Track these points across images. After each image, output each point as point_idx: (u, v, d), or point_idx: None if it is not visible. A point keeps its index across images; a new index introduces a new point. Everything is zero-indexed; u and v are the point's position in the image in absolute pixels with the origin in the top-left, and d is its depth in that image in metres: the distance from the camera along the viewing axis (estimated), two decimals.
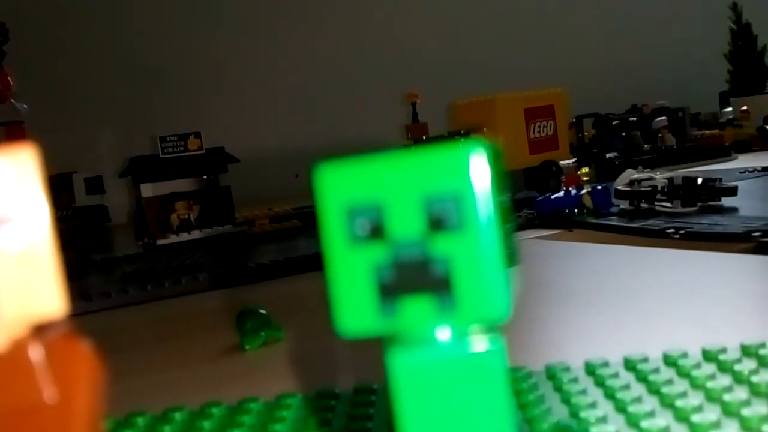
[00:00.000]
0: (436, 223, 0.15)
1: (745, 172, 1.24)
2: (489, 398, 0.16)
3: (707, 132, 1.82)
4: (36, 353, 0.17)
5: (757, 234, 0.70)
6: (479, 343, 0.16)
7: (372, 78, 2.34)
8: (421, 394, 0.16)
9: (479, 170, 0.15)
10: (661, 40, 2.70)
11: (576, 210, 0.99)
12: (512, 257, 0.16)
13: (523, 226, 0.99)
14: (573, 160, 1.32)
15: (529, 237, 0.93)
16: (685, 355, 0.39)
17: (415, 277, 0.16)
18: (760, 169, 1.24)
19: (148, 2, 2.18)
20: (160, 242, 1.18)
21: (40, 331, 0.17)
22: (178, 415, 0.40)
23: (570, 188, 1.05)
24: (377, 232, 0.16)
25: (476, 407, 0.16)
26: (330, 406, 0.39)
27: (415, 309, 0.16)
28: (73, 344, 0.17)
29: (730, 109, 1.96)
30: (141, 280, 0.90)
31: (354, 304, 0.16)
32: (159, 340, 0.66)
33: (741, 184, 0.97)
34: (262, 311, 0.56)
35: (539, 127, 1.26)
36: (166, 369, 0.53)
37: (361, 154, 0.16)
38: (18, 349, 0.17)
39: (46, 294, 0.17)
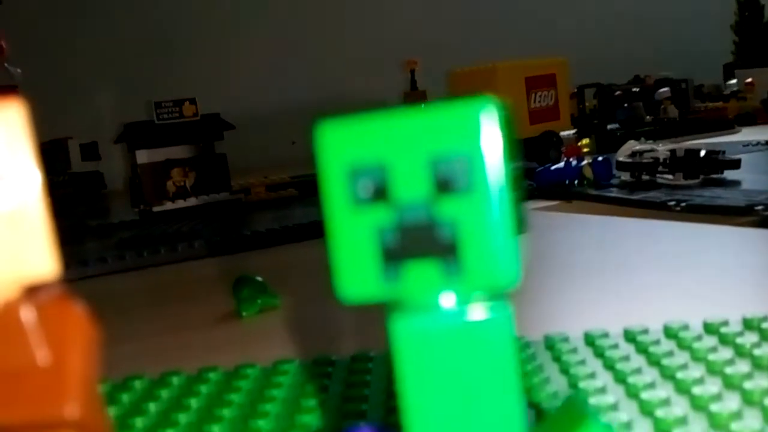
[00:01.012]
0: (443, 185, 0.15)
1: (748, 145, 1.24)
2: (495, 367, 0.15)
3: (711, 104, 1.81)
4: (27, 315, 0.16)
5: (760, 207, 0.69)
6: (485, 310, 0.15)
7: (371, 45, 2.32)
8: (425, 361, 0.15)
9: (490, 129, 0.15)
10: (666, 9, 2.67)
11: (576, 181, 0.98)
12: (521, 224, 0.15)
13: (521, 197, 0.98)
14: (574, 130, 1.31)
15: (529, 208, 0.92)
16: (686, 328, 0.39)
17: (420, 242, 0.15)
18: (763, 142, 1.24)
19: None
20: (156, 209, 1.17)
21: (32, 293, 0.17)
22: (175, 380, 0.39)
23: (570, 159, 1.04)
24: (381, 193, 0.15)
25: (481, 376, 0.15)
26: (327, 372, 0.38)
27: (420, 274, 0.15)
28: (66, 306, 0.17)
29: (734, 81, 1.94)
30: (137, 247, 0.89)
31: (356, 268, 0.15)
32: (155, 306, 0.65)
33: (744, 158, 0.96)
34: (259, 278, 0.56)
35: (540, 96, 1.25)
36: (163, 334, 0.53)
37: (365, 112, 0.15)
38: (9, 310, 0.16)
39: (38, 255, 0.16)
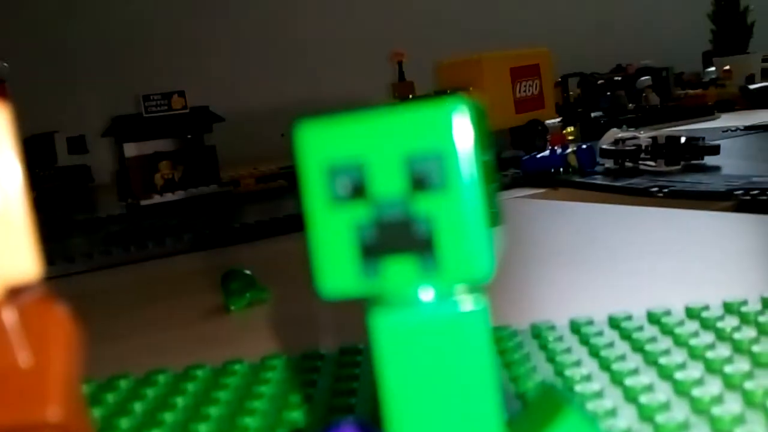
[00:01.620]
0: (419, 182, 0.15)
1: (727, 131, 1.25)
2: (472, 359, 0.16)
3: (691, 91, 1.82)
4: (9, 316, 0.16)
5: (739, 192, 0.70)
6: (462, 303, 0.16)
7: (359, 36, 2.32)
8: (404, 355, 0.16)
9: (462, 128, 0.15)
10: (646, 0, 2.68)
11: (561, 169, 0.99)
12: (496, 217, 0.16)
13: (509, 185, 0.98)
14: (558, 119, 1.32)
15: (514, 196, 0.93)
16: (668, 313, 0.39)
17: (397, 237, 0.15)
18: (742, 128, 1.25)
19: None
20: (143, 203, 1.17)
21: (13, 294, 0.17)
22: (161, 378, 0.39)
23: (555, 147, 1.04)
24: (359, 191, 0.15)
25: (460, 368, 0.16)
26: (315, 366, 0.39)
27: (398, 269, 0.16)
28: (49, 307, 0.17)
29: (713, 68, 1.96)
30: (124, 241, 0.89)
31: (335, 265, 0.16)
32: (143, 302, 0.65)
33: (724, 143, 0.97)
34: (248, 272, 0.56)
35: (525, 86, 1.25)
36: (150, 331, 0.53)
37: (342, 111, 0.15)
38: None
39: (20, 257, 0.17)
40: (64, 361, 0.17)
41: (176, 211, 1.14)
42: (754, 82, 1.79)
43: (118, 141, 1.20)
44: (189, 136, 1.23)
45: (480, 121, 0.15)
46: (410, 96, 1.30)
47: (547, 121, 1.27)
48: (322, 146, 0.15)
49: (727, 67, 1.83)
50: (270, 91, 2.19)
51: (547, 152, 1.02)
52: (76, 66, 2.10)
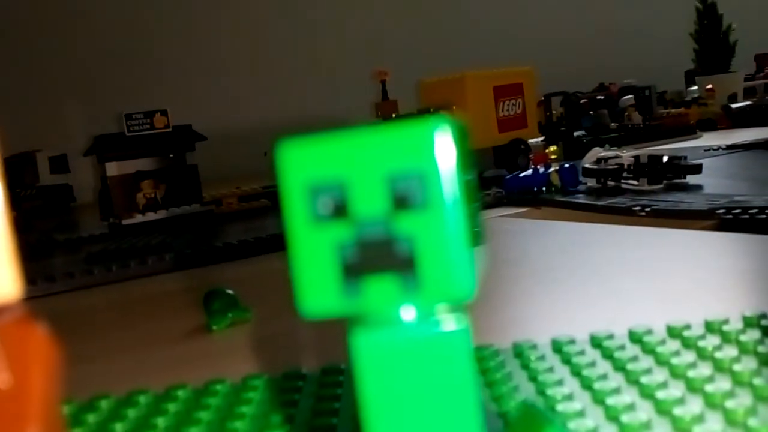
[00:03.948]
0: (401, 202, 0.15)
1: (709, 150, 1.26)
2: (454, 378, 0.16)
3: (673, 110, 1.84)
4: None
5: (721, 211, 0.70)
6: (444, 322, 0.16)
7: (342, 55, 2.33)
8: (386, 375, 0.16)
9: (444, 148, 0.15)
10: (629, 19, 2.71)
11: (544, 188, 0.99)
12: (477, 236, 0.16)
13: (492, 204, 0.99)
14: (541, 138, 1.33)
15: (497, 215, 0.93)
16: (650, 332, 0.40)
17: (379, 256, 0.15)
18: (724, 147, 1.26)
19: None
20: (125, 222, 1.16)
21: None
22: (142, 398, 0.39)
23: (538, 166, 1.05)
24: (340, 210, 0.15)
25: (441, 387, 0.16)
26: (297, 386, 0.38)
27: (380, 288, 0.16)
28: (29, 328, 0.17)
29: (695, 87, 1.98)
30: (106, 261, 0.88)
31: (317, 284, 0.16)
32: (124, 322, 0.65)
33: (706, 162, 0.98)
34: (230, 292, 0.56)
35: (508, 105, 1.26)
36: (131, 351, 0.53)
37: (324, 131, 0.15)
38: None
39: (0, 276, 0.16)
40: (44, 381, 0.16)
41: (158, 231, 1.13)
42: (736, 101, 1.81)
43: (101, 160, 1.20)
44: (171, 155, 1.22)
45: (462, 140, 0.15)
46: (393, 115, 1.30)
47: (530, 140, 1.28)
48: (303, 165, 0.15)
49: (710, 86, 1.85)
50: (253, 110, 2.19)
51: (529, 171, 1.03)
52: (58, 85, 2.09)
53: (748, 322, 0.39)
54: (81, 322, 0.64)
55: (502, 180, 1.04)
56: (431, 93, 1.26)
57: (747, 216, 0.68)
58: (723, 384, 0.32)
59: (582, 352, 0.38)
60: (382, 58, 1.67)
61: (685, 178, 0.92)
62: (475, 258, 0.15)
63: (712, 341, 0.37)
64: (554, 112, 1.52)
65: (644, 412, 0.30)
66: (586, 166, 0.98)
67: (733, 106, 1.74)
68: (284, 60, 2.29)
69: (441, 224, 0.15)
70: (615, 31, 2.67)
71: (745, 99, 1.86)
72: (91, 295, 0.78)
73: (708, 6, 2.01)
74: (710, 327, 0.39)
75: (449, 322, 0.16)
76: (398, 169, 0.15)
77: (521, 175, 1.02)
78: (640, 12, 2.72)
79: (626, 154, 0.95)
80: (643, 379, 0.33)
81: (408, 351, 0.16)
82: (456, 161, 0.15)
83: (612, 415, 0.31)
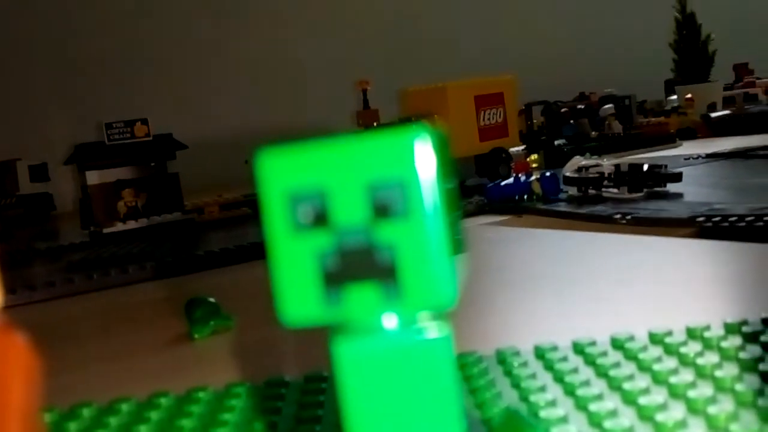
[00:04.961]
0: (381, 210, 0.15)
1: (689, 158, 1.27)
2: (436, 385, 0.16)
3: (653, 119, 1.85)
4: None
5: (701, 219, 0.71)
6: (426, 330, 0.16)
7: (323, 63, 2.33)
8: (368, 382, 0.16)
9: (424, 156, 0.15)
10: (609, 28, 2.74)
11: (526, 196, 1.00)
12: (458, 244, 0.16)
13: (474, 212, 0.99)
14: (522, 147, 1.33)
15: (480, 223, 0.93)
16: (632, 339, 0.40)
17: (360, 265, 0.15)
18: (704, 155, 1.27)
19: None
20: (106, 230, 1.15)
21: None
22: (124, 406, 0.39)
23: (520, 175, 1.06)
24: (321, 219, 0.15)
25: (424, 395, 0.16)
26: (280, 394, 0.38)
27: (361, 297, 0.16)
28: (9, 337, 0.17)
29: (675, 97, 2.00)
30: (87, 269, 0.88)
31: (298, 292, 0.16)
32: (106, 331, 0.64)
33: (686, 171, 0.99)
34: (212, 300, 0.56)
35: (489, 114, 1.26)
36: (114, 359, 0.52)
37: (304, 139, 0.15)
38: None
39: None
40: (24, 391, 0.16)
41: (139, 239, 1.13)
42: (715, 110, 1.83)
43: (81, 169, 1.19)
44: (152, 164, 1.22)
45: (442, 149, 0.15)
46: (375, 123, 1.31)
47: (512, 149, 1.28)
48: (284, 174, 0.15)
49: (689, 96, 1.86)
50: (234, 118, 2.19)
51: (511, 180, 1.03)
52: (38, 94, 2.07)
53: (729, 329, 0.40)
54: (62, 332, 0.64)
55: (483, 188, 1.05)
56: (412, 102, 1.27)
57: (727, 224, 0.69)
58: (705, 390, 0.32)
59: (565, 359, 0.38)
60: (363, 68, 1.67)
61: (665, 186, 0.93)
62: (456, 266, 0.15)
63: (693, 348, 0.37)
64: (535, 121, 1.53)
65: (627, 418, 0.31)
66: (567, 174, 0.98)
67: (713, 115, 1.76)
68: (264, 68, 2.28)
69: (422, 232, 0.15)
70: (595, 40, 2.70)
71: (724, 108, 1.88)
72: (71, 304, 0.77)
73: (687, 16, 2.03)
74: (692, 333, 0.40)
75: (431, 330, 0.16)
76: (379, 178, 0.15)
77: (503, 183, 1.03)
78: (619, 22, 2.75)
79: (607, 163, 0.96)
80: (626, 386, 0.33)
81: (390, 359, 0.16)
82: (436, 170, 0.15)
83: (595, 422, 0.31)
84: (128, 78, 2.14)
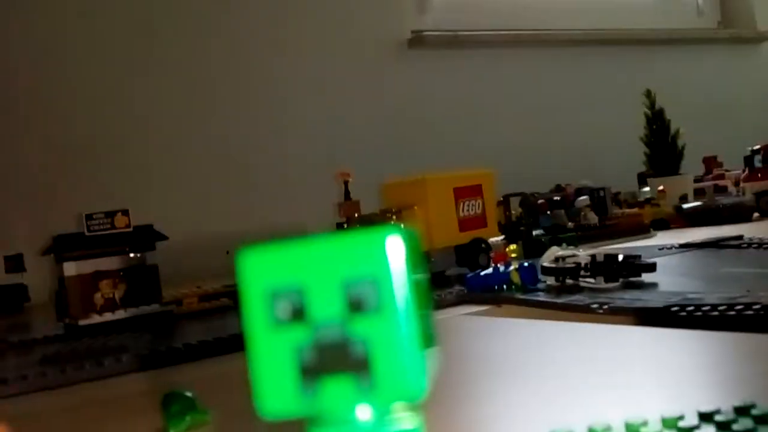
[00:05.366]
0: (356, 305, 0.16)
1: (663, 248, 1.29)
2: None
3: (627, 210, 1.89)
4: None
5: (676, 309, 0.72)
6: (398, 422, 0.16)
7: (304, 156, 2.37)
8: None
9: (395, 254, 0.16)
10: (583, 123, 2.83)
11: (505, 286, 1.00)
12: (429, 338, 0.16)
13: (454, 303, 1.00)
14: (501, 237, 1.35)
15: (460, 313, 0.94)
16: (608, 429, 0.40)
17: (335, 358, 0.16)
18: (677, 245, 1.29)
19: (71, 70, 2.16)
20: (82, 323, 1.14)
21: None
22: None
23: (499, 265, 1.07)
24: (299, 314, 0.16)
25: None
26: None
27: (336, 389, 0.16)
28: None
29: (647, 188, 2.05)
30: (60, 363, 0.86)
31: (276, 385, 0.16)
32: (79, 426, 0.63)
33: (660, 261, 1.00)
34: (188, 394, 0.55)
35: (468, 205, 1.29)
36: None
37: (283, 239, 0.16)
38: None
39: None
40: None
41: (116, 331, 1.11)
42: (687, 202, 1.88)
43: (59, 260, 1.18)
44: (132, 255, 1.22)
45: (413, 246, 0.16)
46: (356, 214, 1.32)
47: (491, 240, 1.30)
48: (264, 272, 0.16)
49: (661, 188, 1.91)
50: (215, 210, 2.20)
51: (490, 270, 1.04)
52: (18, 184, 2.08)
53: (704, 418, 0.40)
54: (34, 426, 0.62)
55: (464, 278, 1.06)
56: (393, 194, 1.29)
57: (701, 313, 0.70)
58: None
59: None
60: (344, 160, 1.70)
61: (640, 276, 0.94)
62: (426, 359, 0.16)
63: None
64: (513, 212, 1.56)
65: None
66: (545, 264, 1.00)
67: (685, 206, 1.80)
68: (246, 159, 2.32)
69: (393, 327, 0.16)
70: (570, 134, 2.78)
71: (695, 199, 1.93)
72: (45, 398, 0.76)
73: (656, 112, 2.11)
74: (667, 423, 0.40)
75: (404, 422, 0.16)
76: (353, 275, 0.16)
77: (482, 273, 1.04)
78: (594, 117, 2.85)
79: (583, 253, 0.97)
80: None
81: None
82: (407, 267, 0.16)
83: None
84: (108, 168, 2.16)
